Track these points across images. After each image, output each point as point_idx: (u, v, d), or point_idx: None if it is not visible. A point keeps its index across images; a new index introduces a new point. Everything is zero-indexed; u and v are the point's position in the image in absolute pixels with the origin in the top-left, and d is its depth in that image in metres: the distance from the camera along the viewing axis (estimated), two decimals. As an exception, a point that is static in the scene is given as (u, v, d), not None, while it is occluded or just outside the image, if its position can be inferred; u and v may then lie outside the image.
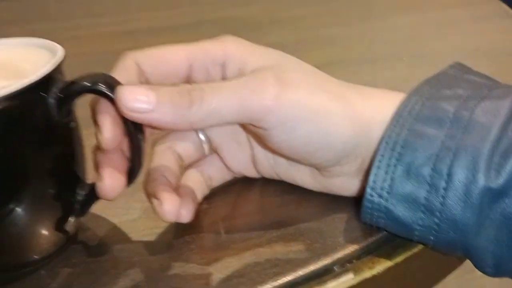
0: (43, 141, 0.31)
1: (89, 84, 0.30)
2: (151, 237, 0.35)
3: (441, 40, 0.62)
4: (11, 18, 0.95)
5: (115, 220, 0.38)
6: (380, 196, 0.31)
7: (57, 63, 0.30)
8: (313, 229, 0.34)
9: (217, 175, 0.39)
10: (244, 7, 0.85)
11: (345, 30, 0.69)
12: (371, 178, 0.31)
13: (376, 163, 0.31)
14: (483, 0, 0.75)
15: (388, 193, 0.31)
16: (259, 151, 0.38)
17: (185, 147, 0.38)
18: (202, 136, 0.38)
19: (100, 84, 0.30)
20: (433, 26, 0.68)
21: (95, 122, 0.32)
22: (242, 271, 0.32)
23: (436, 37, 0.64)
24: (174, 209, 0.33)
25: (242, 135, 0.38)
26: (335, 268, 0.31)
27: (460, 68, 0.37)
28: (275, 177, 0.39)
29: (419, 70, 0.55)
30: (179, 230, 0.36)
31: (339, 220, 0.35)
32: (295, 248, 0.33)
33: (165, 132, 0.38)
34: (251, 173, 0.39)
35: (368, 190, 0.31)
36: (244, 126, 0.36)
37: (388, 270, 0.31)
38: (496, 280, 0.33)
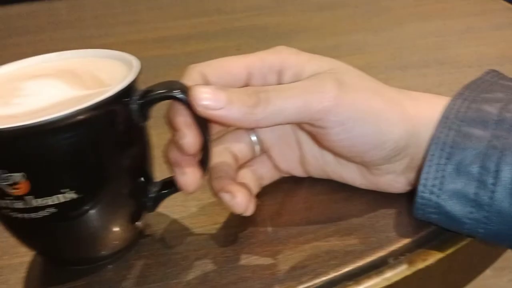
0: (125, 143, 0.34)
1: (166, 91, 0.33)
2: (213, 232, 0.38)
3: (465, 47, 0.65)
4: (41, 25, 0.99)
5: (175, 216, 0.41)
6: (431, 192, 0.34)
7: (136, 73, 0.33)
8: (366, 225, 0.37)
9: (267, 174, 0.42)
10: (271, 16, 0.88)
11: (371, 37, 0.72)
12: (423, 176, 0.34)
13: (427, 163, 0.34)
14: (502, 7, 0.78)
15: (439, 189, 0.34)
16: (308, 152, 0.41)
17: (240, 148, 0.41)
18: (254, 138, 0.41)
19: (176, 90, 0.33)
20: (455, 33, 0.71)
21: (173, 126, 0.35)
22: (303, 263, 0.34)
23: (460, 44, 0.66)
24: (245, 201, 0.37)
25: (292, 137, 0.41)
26: (390, 260, 0.34)
27: (496, 74, 0.40)
28: (323, 175, 0.42)
29: (449, 77, 0.58)
30: (237, 226, 0.39)
31: (389, 216, 0.37)
32: (351, 242, 0.35)
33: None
34: (299, 172, 0.42)
35: (420, 187, 0.34)
36: (301, 126, 0.39)
37: (440, 261, 0.34)
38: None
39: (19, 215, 0.32)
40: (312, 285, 0.33)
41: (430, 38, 0.70)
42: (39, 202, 0.31)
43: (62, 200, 0.31)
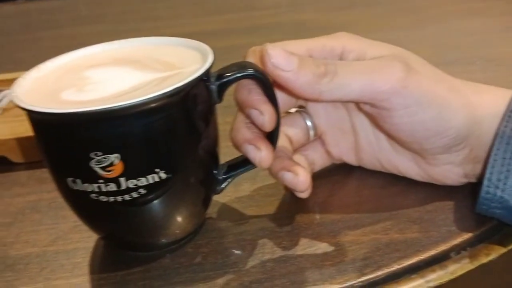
0: (205, 123, 0.34)
1: (242, 71, 0.34)
2: (266, 223, 0.38)
3: (508, 46, 0.64)
4: (72, 17, 0.99)
5: (227, 207, 0.40)
6: (496, 187, 0.33)
7: (212, 58, 0.33)
8: (425, 219, 0.36)
9: (319, 160, 0.42)
10: (302, 13, 0.87)
11: (410, 34, 0.71)
12: (488, 170, 0.33)
13: (492, 157, 0.33)
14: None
15: (504, 184, 0.33)
16: (363, 138, 0.41)
17: (295, 132, 0.41)
18: (309, 123, 0.41)
19: (250, 69, 0.34)
20: (495, 32, 0.70)
21: (247, 105, 0.35)
22: (364, 255, 0.34)
23: (503, 42, 0.66)
24: (308, 179, 0.37)
25: (347, 122, 0.41)
26: (452, 254, 0.34)
27: None
28: (375, 165, 0.41)
29: (495, 74, 0.57)
30: (290, 217, 0.38)
31: (448, 210, 0.37)
32: (411, 236, 0.35)
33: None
34: (351, 159, 0.42)
35: (485, 182, 0.33)
36: (360, 106, 0.38)
37: (502, 256, 0.34)
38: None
39: (106, 198, 0.31)
40: (375, 277, 0.32)
41: (471, 36, 0.69)
42: (132, 183, 0.31)
43: (152, 181, 0.31)
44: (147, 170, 0.31)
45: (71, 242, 0.38)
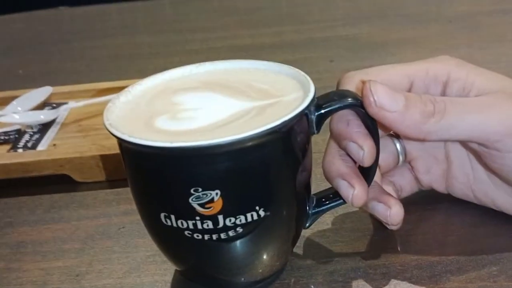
0: (303, 155, 0.31)
1: (343, 101, 0.32)
2: (357, 262, 0.35)
3: None
4: (120, 26, 0.98)
5: (311, 243, 0.38)
6: None
7: (313, 87, 0.31)
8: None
9: (406, 187, 0.40)
10: (359, 27, 0.84)
11: (477, 52, 0.68)
12: None
13: None
14: None
15: None
16: (457, 167, 0.38)
17: (384, 157, 0.38)
18: (399, 147, 0.39)
19: (351, 99, 0.32)
20: None
21: (345, 138, 0.33)
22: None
23: None
24: (401, 212, 0.35)
25: (440, 149, 0.39)
26: None
27: None
28: (469, 195, 0.38)
29: None
30: (384, 257, 0.36)
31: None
32: (523, 284, 0.32)
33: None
34: (441, 187, 0.40)
35: None
36: (465, 144, 0.36)
37: None
38: None
39: (200, 236, 0.29)
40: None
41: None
42: (230, 221, 0.29)
43: (250, 219, 0.29)
44: (246, 208, 0.29)
45: (147, 274, 0.36)
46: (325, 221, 0.39)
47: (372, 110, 0.32)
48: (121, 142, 0.29)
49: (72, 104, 0.56)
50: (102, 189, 0.46)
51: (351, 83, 0.35)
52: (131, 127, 0.29)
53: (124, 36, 0.89)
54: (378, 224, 0.38)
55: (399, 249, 0.37)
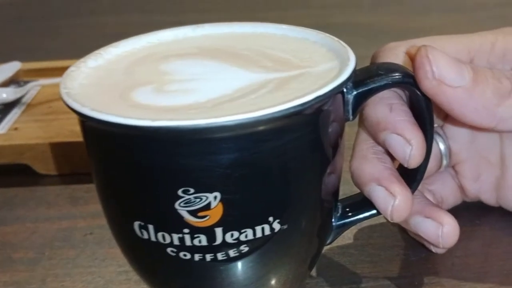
0: (335, 149, 0.23)
1: (392, 76, 0.23)
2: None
3: None
4: (109, 3, 0.90)
5: (332, 262, 0.30)
6: None
7: (353, 54, 0.23)
8: None
9: (450, 197, 0.32)
10: (369, 14, 0.77)
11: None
12: None
13: None
14: None
15: None
16: None
17: None
18: (442, 147, 0.31)
19: (400, 74, 0.23)
20: None
21: (385, 128, 0.25)
22: None
23: None
24: (458, 231, 0.27)
25: (495, 150, 0.31)
26: None
27: None
28: None
29: None
30: (423, 283, 0.28)
31: None
32: None
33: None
34: (489, 199, 0.32)
35: None
36: None
37: None
38: None
39: (188, 256, 0.21)
40: None
41: None
42: (231, 236, 0.21)
43: (260, 234, 0.21)
44: (256, 219, 0.21)
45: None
46: (347, 234, 0.31)
47: (429, 84, 0.24)
48: (82, 119, 0.20)
49: (42, 81, 0.48)
50: (69, 184, 0.37)
51: (393, 56, 0.27)
52: (99, 100, 0.21)
53: (113, 14, 0.81)
54: (415, 241, 0.30)
55: (441, 275, 0.28)
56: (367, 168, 0.26)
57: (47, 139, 0.38)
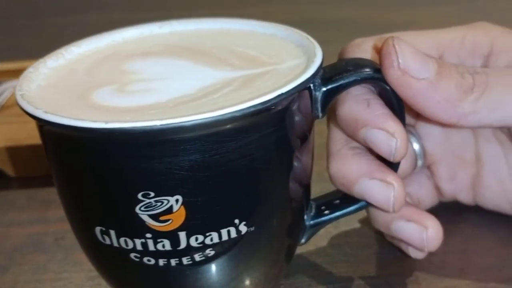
0: (302, 148, 0.23)
1: (361, 72, 0.23)
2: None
3: None
4: (94, 1, 0.88)
5: (309, 262, 0.29)
6: None
7: (320, 50, 0.22)
8: None
9: (426, 198, 0.31)
10: (356, 8, 0.76)
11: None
12: None
13: None
14: None
15: None
16: (490, 172, 0.30)
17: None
18: (417, 147, 0.30)
19: (369, 70, 0.23)
20: None
21: (363, 124, 0.24)
22: None
23: None
24: (441, 234, 0.26)
25: (470, 150, 0.30)
26: None
27: None
28: (503, 206, 0.30)
29: None
30: (405, 283, 0.27)
31: None
32: None
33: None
34: (466, 198, 0.31)
35: None
36: (502, 139, 0.28)
37: None
38: None
39: (152, 261, 0.20)
40: None
41: None
42: (196, 240, 0.20)
43: (226, 237, 0.20)
44: (221, 221, 0.20)
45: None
46: (324, 234, 0.31)
47: (394, 74, 0.23)
48: (38, 122, 0.20)
49: (16, 82, 0.47)
50: (41, 187, 0.36)
51: (361, 51, 0.27)
52: (56, 102, 0.20)
53: (97, 12, 0.80)
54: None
55: (418, 273, 0.28)
56: (352, 166, 0.26)
57: (19, 142, 0.38)
